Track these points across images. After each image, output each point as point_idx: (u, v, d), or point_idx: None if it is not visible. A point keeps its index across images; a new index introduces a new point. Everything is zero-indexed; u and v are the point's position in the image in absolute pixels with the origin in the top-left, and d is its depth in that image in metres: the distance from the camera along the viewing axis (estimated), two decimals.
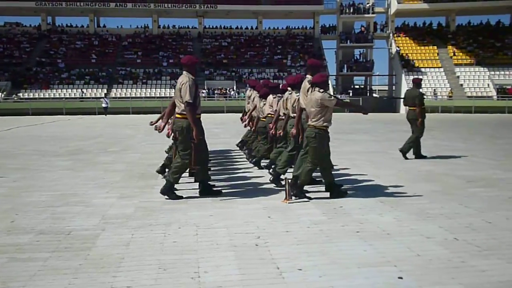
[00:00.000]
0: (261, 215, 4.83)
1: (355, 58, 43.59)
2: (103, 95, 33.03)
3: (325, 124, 5.42)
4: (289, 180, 5.55)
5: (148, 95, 35.92)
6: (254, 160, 8.24)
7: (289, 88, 6.71)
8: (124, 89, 36.49)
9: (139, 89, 36.66)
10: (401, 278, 3.19)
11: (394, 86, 41.05)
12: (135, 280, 3.18)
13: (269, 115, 7.63)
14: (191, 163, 5.57)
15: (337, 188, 5.73)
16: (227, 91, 37.12)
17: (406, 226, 4.41)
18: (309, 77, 6.00)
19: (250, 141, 9.16)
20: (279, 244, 3.90)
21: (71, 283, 3.14)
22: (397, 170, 7.68)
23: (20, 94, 34.87)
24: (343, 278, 3.19)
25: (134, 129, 18.09)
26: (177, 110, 5.62)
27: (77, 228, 4.43)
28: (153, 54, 40.60)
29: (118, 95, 35.82)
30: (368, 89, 44.03)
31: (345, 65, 41.93)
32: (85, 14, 43.06)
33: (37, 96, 34.86)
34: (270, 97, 7.69)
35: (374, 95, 45.11)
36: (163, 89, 36.65)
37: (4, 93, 34.73)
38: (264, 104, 7.88)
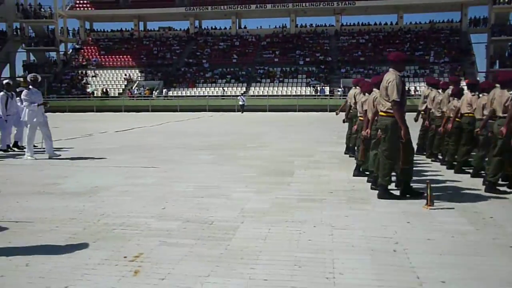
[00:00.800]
0: (399, 220, 4.62)
1: (510, 52, 39.26)
2: (242, 93, 34.65)
3: None
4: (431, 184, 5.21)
5: (284, 93, 36.75)
6: (448, 165, 7.74)
7: (497, 85, 6.14)
8: (262, 87, 37.85)
9: (276, 87, 37.70)
10: None
11: None
12: (271, 274, 3.27)
13: (468, 115, 7.21)
14: (401, 163, 5.44)
15: None
16: None
17: None
18: None
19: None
20: (419, 252, 3.69)
21: (213, 271, 3.35)
22: None
23: (170, 92, 38.29)
24: None
25: (270, 126, 18.65)
26: (381, 108, 5.55)
27: (219, 219, 4.70)
28: (290, 53, 41.41)
29: (256, 93, 37.28)
30: None
31: (497, 61, 38.00)
32: (228, 16, 45.63)
33: (184, 94, 37.95)
34: (468, 94, 7.25)
35: None
36: (299, 87, 37.21)
37: (157, 91, 38.47)
38: (458, 102, 7.42)
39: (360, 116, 7.09)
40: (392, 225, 4.42)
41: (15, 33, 45.76)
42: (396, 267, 3.38)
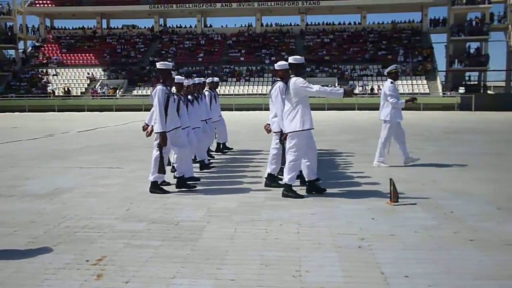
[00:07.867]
0: (364, 216, 4.69)
1: (468, 52, 40.59)
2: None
3: None
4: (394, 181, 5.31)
5: (251, 92, 36.77)
6: None
7: None
8: (228, 86, 37.73)
9: (242, 86, 37.68)
10: None
11: None
12: (238, 273, 3.25)
13: None
14: None
15: None
16: None
17: None
18: None
19: None
20: (384, 247, 3.74)
21: (179, 272, 3.30)
22: None
23: (135, 91, 37.64)
24: None
25: (238, 126, 18.60)
26: None
27: (185, 219, 4.64)
28: (256, 52, 41.46)
29: (222, 92, 37.13)
30: (482, 85, 40.84)
31: (456, 60, 39.24)
32: (193, 15, 45.26)
33: (149, 93, 37.33)
34: None
35: (489, 92, 41.65)
36: (265, 86, 37.29)
37: (121, 90, 37.74)
38: None
39: None
40: (357, 222, 4.47)
41: None
42: (362, 263, 3.42)
